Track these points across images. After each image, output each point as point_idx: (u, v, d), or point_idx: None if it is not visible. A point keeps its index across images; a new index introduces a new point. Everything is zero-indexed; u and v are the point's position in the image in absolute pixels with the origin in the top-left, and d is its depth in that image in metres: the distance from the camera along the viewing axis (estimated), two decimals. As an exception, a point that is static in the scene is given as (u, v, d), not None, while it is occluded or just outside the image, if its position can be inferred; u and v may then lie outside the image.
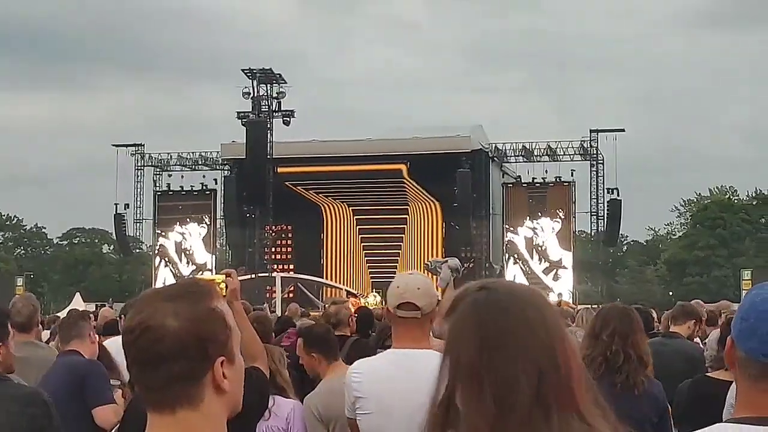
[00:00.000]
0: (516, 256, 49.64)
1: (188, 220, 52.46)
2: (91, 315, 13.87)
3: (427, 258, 48.58)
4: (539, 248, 49.24)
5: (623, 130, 50.21)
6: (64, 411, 5.22)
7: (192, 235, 52.51)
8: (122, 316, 10.33)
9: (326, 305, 13.75)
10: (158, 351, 2.12)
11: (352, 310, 11.36)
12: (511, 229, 49.78)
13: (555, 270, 48.96)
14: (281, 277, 44.91)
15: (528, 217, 49.51)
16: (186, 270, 51.13)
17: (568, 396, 1.99)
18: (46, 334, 10.64)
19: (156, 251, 53.07)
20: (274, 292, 43.48)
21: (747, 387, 2.31)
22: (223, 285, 4.42)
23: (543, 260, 49.21)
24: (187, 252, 52.46)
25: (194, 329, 2.15)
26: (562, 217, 49.05)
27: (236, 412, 2.29)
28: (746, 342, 2.28)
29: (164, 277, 50.83)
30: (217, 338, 2.20)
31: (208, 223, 52.74)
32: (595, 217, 50.75)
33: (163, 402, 2.14)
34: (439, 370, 2.06)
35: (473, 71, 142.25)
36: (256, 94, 46.04)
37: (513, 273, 48.91)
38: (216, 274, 5.35)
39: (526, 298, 2.10)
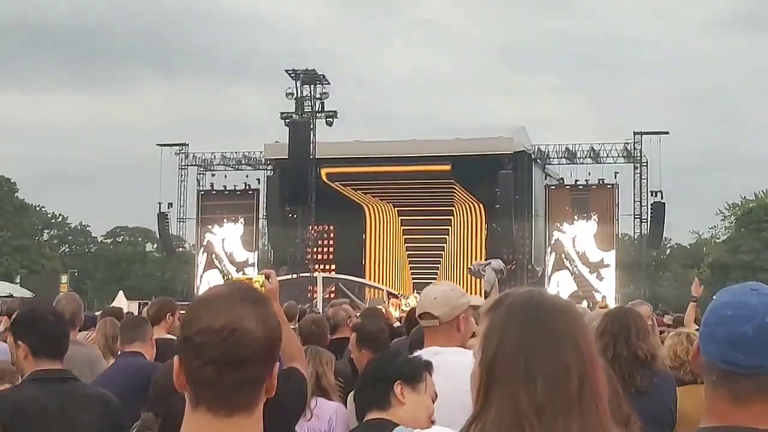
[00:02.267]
0: (563, 255, 49.37)
1: (230, 219, 52.69)
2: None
3: (469, 260, 48.53)
4: (578, 252, 49.09)
5: (667, 133, 49.86)
6: (127, 411, 5.26)
7: (231, 235, 52.76)
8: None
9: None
10: (243, 354, 2.15)
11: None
12: (558, 226, 49.51)
13: (597, 271, 48.75)
14: (323, 277, 44.98)
15: (569, 220, 49.32)
16: (232, 268, 51.33)
17: (600, 399, 2.16)
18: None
19: (202, 247, 53.31)
20: (316, 292, 43.57)
21: (709, 393, 2.32)
22: (260, 285, 4.43)
23: (584, 263, 49.01)
24: (227, 252, 52.72)
25: (271, 334, 2.21)
26: (596, 219, 48.82)
27: None
28: (706, 346, 2.29)
29: (209, 276, 51.13)
30: (279, 344, 2.28)
31: (249, 222, 52.89)
32: (638, 219, 50.51)
33: (225, 404, 2.16)
34: (479, 359, 2.22)
35: (512, 73, 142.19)
36: (299, 95, 46.18)
37: (559, 273, 48.77)
38: (256, 273, 5.28)
39: (571, 305, 2.30)
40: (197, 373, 2.17)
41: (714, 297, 2.36)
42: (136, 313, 15.75)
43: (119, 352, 6.78)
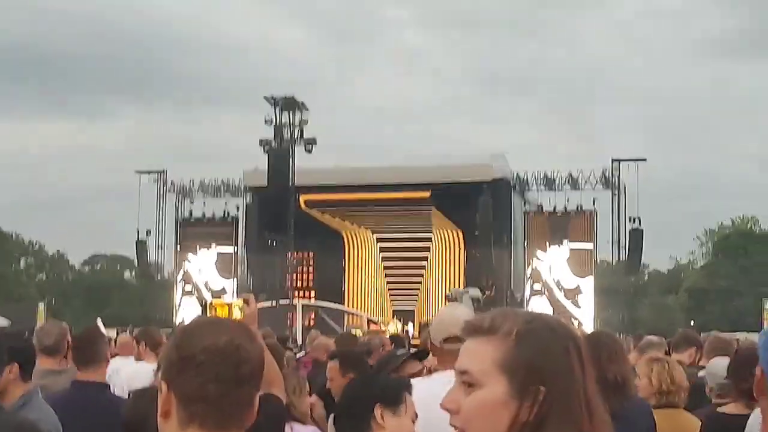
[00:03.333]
0: (541, 283, 49.39)
1: (207, 246, 52.47)
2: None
3: (448, 286, 48.57)
4: (555, 279, 49.18)
5: (645, 160, 50.09)
6: None
7: (208, 262, 52.53)
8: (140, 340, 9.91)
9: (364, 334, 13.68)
10: (244, 371, 2.23)
11: (386, 340, 11.34)
12: (537, 257, 49.54)
13: (574, 297, 48.79)
14: (302, 304, 44.91)
15: (546, 247, 49.37)
16: (209, 296, 50.97)
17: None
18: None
19: (181, 276, 53.03)
20: (296, 319, 43.48)
21: None
22: (239, 309, 4.43)
23: (560, 290, 49.09)
24: (204, 280, 52.49)
25: (262, 356, 2.32)
26: (572, 245, 48.89)
27: None
28: None
29: (187, 302, 50.88)
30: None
31: (228, 249, 52.71)
32: (616, 246, 50.58)
33: (220, 422, 2.21)
34: (523, 395, 1.99)
35: (491, 101, 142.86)
36: (278, 122, 46.10)
37: (538, 301, 48.67)
38: (235, 298, 5.13)
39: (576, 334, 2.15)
40: (198, 391, 2.21)
41: None
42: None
43: (73, 380, 6.02)
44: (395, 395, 4.07)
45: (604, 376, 5.25)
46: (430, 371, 5.52)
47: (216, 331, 2.26)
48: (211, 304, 4.56)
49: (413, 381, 4.79)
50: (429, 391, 4.53)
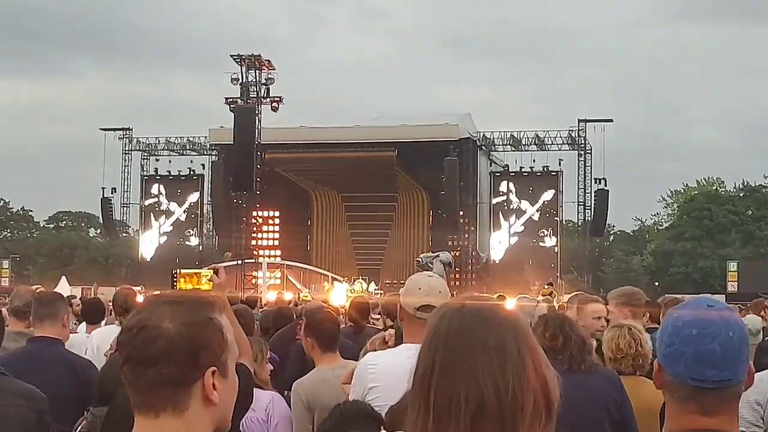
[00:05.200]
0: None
1: (175, 205, 52.32)
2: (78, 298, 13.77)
3: (414, 246, 48.63)
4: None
5: (611, 121, 50.24)
6: (71, 414, 5.06)
7: (177, 221, 52.40)
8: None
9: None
10: (151, 352, 2.14)
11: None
12: (509, 220, 49.63)
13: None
14: (267, 262, 44.87)
15: (514, 207, 49.54)
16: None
17: (511, 427, 1.94)
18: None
19: (159, 232, 52.84)
20: (260, 277, 43.44)
21: (675, 407, 2.40)
22: (207, 279, 4.38)
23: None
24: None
25: (188, 334, 2.18)
26: (540, 207, 49.16)
27: (224, 428, 2.31)
28: (673, 366, 2.37)
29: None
30: (210, 347, 2.22)
31: (194, 207, 52.59)
32: (582, 206, 50.78)
33: (149, 404, 2.15)
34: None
35: (457, 61, 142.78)
36: (244, 80, 45.90)
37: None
38: (204, 268, 5.01)
39: (496, 320, 2.05)
40: (121, 373, 2.19)
41: (671, 315, 2.42)
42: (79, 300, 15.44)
43: (31, 336, 6.18)
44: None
45: (581, 335, 5.38)
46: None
47: (136, 312, 2.22)
48: (179, 272, 4.50)
49: (375, 354, 4.79)
50: (396, 365, 4.52)
